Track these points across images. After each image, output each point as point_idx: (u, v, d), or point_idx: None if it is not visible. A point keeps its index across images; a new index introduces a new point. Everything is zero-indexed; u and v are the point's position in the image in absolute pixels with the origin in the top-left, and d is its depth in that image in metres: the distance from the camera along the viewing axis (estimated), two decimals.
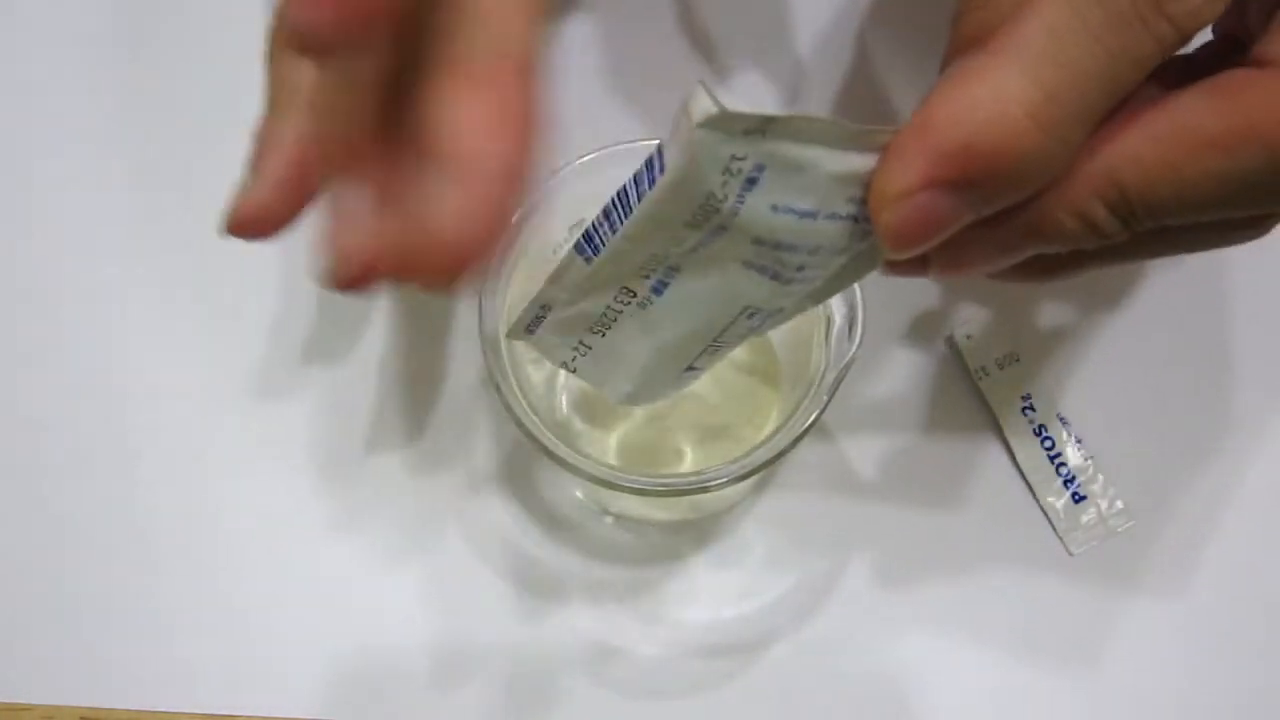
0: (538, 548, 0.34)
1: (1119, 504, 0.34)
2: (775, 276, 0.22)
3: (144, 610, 0.34)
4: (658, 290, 0.22)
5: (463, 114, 0.20)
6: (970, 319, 0.36)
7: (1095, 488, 0.34)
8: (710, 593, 0.34)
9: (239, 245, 0.37)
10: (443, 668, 0.33)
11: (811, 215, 0.20)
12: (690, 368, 0.26)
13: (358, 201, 0.22)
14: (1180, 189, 0.20)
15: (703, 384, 0.33)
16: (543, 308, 0.24)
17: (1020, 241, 0.22)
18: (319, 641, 0.34)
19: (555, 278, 0.23)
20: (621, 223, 0.20)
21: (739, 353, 0.34)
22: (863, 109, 0.38)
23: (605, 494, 0.33)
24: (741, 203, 0.19)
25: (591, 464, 0.27)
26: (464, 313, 0.36)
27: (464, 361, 0.36)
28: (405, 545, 0.34)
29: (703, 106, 0.18)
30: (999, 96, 0.19)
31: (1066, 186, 0.21)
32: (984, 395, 0.35)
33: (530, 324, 0.24)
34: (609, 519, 0.35)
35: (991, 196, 0.20)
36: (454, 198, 0.20)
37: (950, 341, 0.36)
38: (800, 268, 0.21)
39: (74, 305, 0.37)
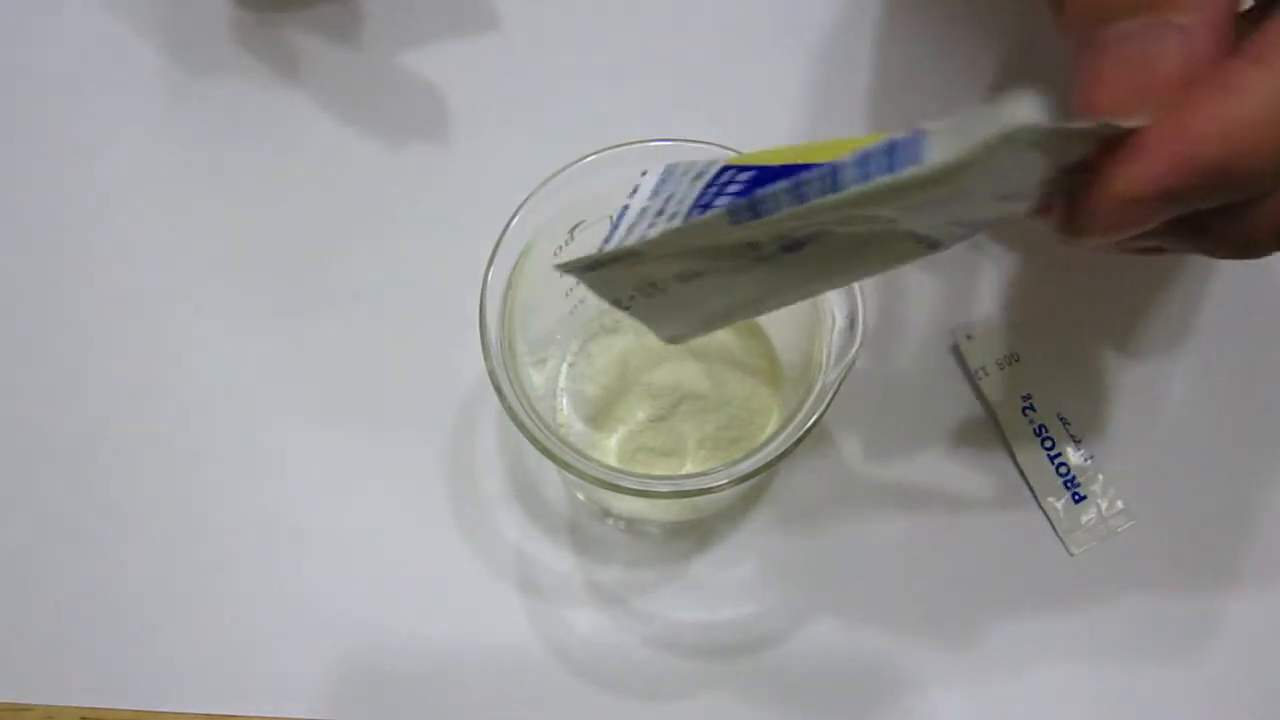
0: (538, 549, 0.34)
1: (1119, 504, 0.34)
2: (933, 246, 0.21)
3: (144, 611, 0.34)
4: (790, 249, 0.21)
5: None
6: (970, 319, 0.36)
7: (1095, 488, 0.34)
8: (710, 594, 0.34)
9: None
10: (442, 668, 0.33)
11: (1014, 198, 0.19)
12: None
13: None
14: None
15: (702, 384, 0.33)
16: (629, 254, 0.22)
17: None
18: (319, 642, 0.34)
19: (679, 234, 0.21)
20: (825, 196, 0.19)
21: (739, 353, 0.34)
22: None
23: (606, 495, 0.33)
24: (973, 193, 0.18)
25: (592, 465, 0.27)
26: (464, 314, 0.36)
27: (465, 364, 0.36)
28: (405, 546, 0.34)
29: (1022, 115, 0.17)
30: (1265, 116, 0.18)
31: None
32: (984, 395, 0.35)
33: (594, 265, 0.22)
34: (610, 520, 0.35)
35: (1210, 202, 0.20)
36: None
37: (950, 341, 0.36)
38: (960, 236, 0.21)
39: (70, 305, 0.37)
